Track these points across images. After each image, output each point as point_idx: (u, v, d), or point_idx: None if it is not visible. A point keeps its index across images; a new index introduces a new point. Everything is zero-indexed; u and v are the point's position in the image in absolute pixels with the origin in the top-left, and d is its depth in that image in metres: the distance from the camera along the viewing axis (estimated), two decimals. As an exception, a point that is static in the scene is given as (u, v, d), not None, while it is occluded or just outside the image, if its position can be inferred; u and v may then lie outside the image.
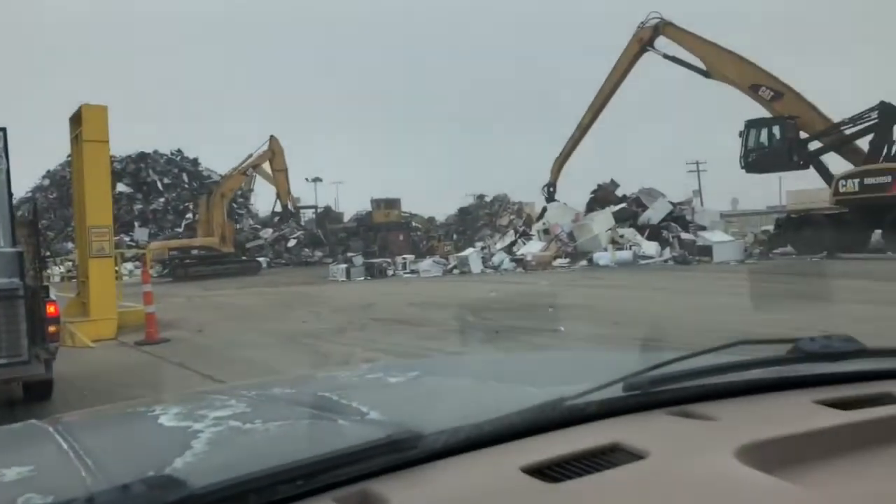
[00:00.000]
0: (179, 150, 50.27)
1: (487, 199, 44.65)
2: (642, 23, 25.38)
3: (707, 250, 21.81)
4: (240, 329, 11.95)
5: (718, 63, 23.68)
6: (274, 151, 35.13)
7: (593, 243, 23.68)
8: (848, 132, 22.43)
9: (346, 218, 43.92)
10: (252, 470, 0.76)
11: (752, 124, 23.72)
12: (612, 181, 28.67)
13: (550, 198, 29.00)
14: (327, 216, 43.77)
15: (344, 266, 26.27)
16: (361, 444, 0.83)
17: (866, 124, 21.79)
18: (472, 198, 45.84)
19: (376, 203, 40.28)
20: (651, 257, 22.24)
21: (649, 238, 23.41)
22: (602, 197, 27.70)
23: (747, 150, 23.79)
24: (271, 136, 35.30)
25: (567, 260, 23.50)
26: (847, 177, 21.56)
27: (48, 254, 29.81)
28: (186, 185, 48.03)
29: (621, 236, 23.58)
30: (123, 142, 46.96)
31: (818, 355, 1.11)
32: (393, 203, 40.74)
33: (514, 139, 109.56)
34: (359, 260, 27.64)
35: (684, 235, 23.44)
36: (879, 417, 0.98)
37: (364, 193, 41.41)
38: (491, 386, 1.42)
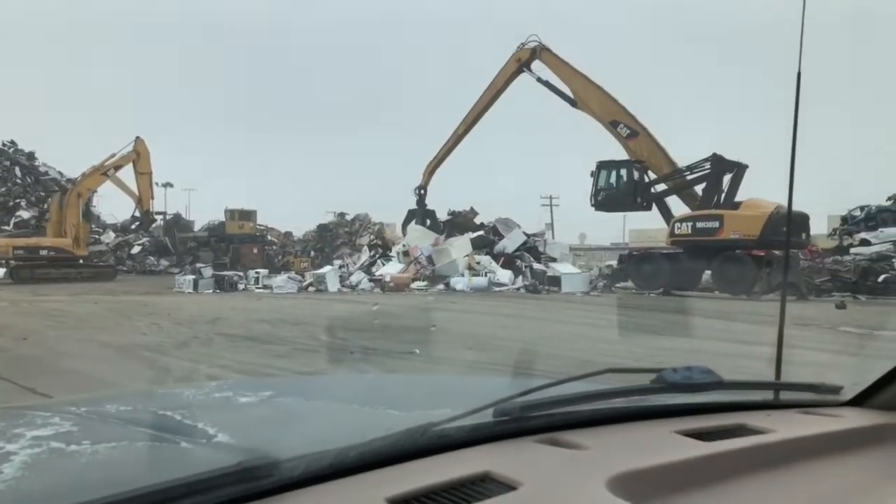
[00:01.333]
0: (13, 142, 45.99)
1: (348, 217, 44.27)
2: (522, 44, 26.32)
3: (556, 281, 22.85)
4: (71, 339, 11.00)
5: (585, 94, 25.01)
6: (139, 153, 33.41)
7: (451, 268, 24.09)
8: (688, 178, 24.44)
9: (198, 227, 41.98)
10: (78, 501, 0.65)
11: (603, 165, 25.31)
12: (472, 209, 29.47)
13: (421, 200, 29.30)
14: (177, 224, 41.63)
15: (191, 277, 25.02)
16: (208, 472, 0.74)
17: (701, 173, 23.84)
18: (332, 215, 45.27)
19: (230, 213, 38.83)
20: (505, 285, 22.93)
21: (504, 266, 24.17)
22: (461, 223, 28.34)
23: (597, 189, 25.31)
24: (137, 138, 33.59)
25: (425, 283, 23.74)
26: (681, 220, 23.53)
27: None
28: (19, 180, 43.95)
29: (478, 263, 24.17)
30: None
31: (679, 386, 1.14)
32: (248, 214, 39.43)
33: (377, 159, 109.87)
34: (208, 271, 26.46)
35: (536, 265, 24.44)
36: (734, 449, 1.02)
37: (218, 203, 39.78)
38: (353, 409, 1.35)
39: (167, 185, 49.06)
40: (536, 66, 26.31)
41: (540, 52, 25.91)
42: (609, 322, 13.04)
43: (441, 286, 23.14)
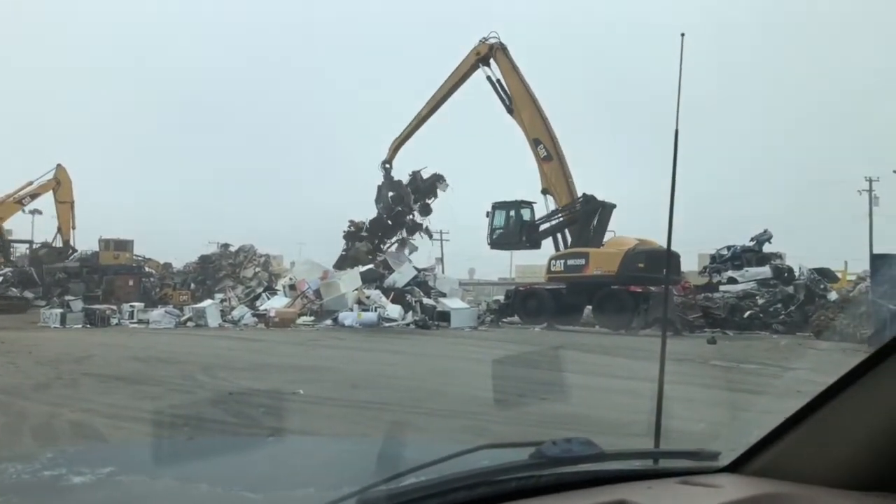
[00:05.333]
0: None
1: (232, 248, 42.78)
2: (484, 38, 26.40)
3: (446, 316, 22.96)
4: None
5: (521, 104, 25.53)
6: (59, 181, 31.99)
7: (339, 302, 23.70)
8: (561, 218, 25.48)
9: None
10: None
11: (497, 206, 26.34)
12: (366, 243, 29.22)
13: (388, 174, 29.10)
14: (45, 254, 38.78)
15: (59, 311, 23.33)
16: None
17: (573, 212, 24.92)
18: (215, 246, 43.61)
19: (105, 243, 36.62)
20: (395, 320, 22.78)
21: (394, 301, 24.03)
22: (353, 256, 28.03)
23: (492, 229, 26.07)
24: (58, 165, 31.97)
25: (312, 318, 23.21)
26: (556, 258, 24.60)
27: None
28: None
29: (368, 297, 23.91)
30: None
31: (559, 460, 1.09)
32: (124, 244, 37.34)
33: (263, 189, 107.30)
34: (77, 305, 24.77)
35: (426, 300, 24.47)
36: None
37: (92, 231, 37.60)
38: (196, 490, 1.20)
39: (35, 211, 45.94)
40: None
41: (495, 50, 26.10)
42: (495, 357, 13.16)
43: (329, 321, 22.69)
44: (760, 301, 23.06)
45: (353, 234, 30.13)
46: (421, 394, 9.00)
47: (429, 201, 29.60)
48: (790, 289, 23.52)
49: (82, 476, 1.29)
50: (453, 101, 28.33)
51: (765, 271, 25.69)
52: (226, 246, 42.99)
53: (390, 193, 29.29)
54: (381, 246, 29.80)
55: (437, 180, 29.27)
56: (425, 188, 29.28)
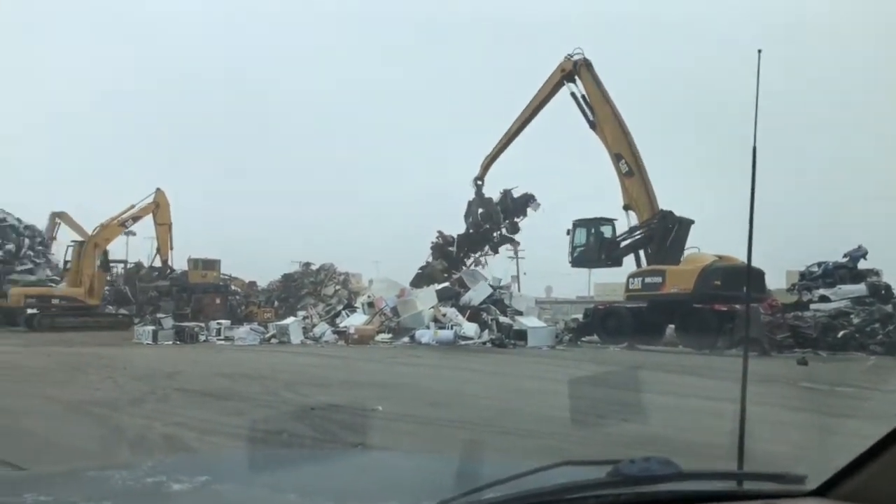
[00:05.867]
0: (-30, 187, 45.07)
1: (314, 267, 43.89)
2: (569, 55, 26.33)
3: (522, 334, 22.79)
4: (18, 393, 10.57)
5: (603, 119, 25.30)
6: (159, 204, 33.98)
7: (416, 320, 23.90)
8: (638, 235, 24.98)
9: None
10: None
11: (578, 224, 26.09)
12: (441, 260, 29.43)
13: (479, 191, 29.17)
14: (137, 273, 40.79)
15: (151, 328, 24.43)
16: None
17: (652, 229, 24.37)
18: (297, 265, 44.85)
19: (194, 262, 38.19)
20: (471, 338, 22.79)
21: (470, 319, 24.06)
22: (429, 274, 28.27)
23: (573, 246, 25.86)
24: (157, 189, 34.07)
25: (389, 335, 23.49)
26: (633, 276, 24.11)
27: None
28: (-26, 226, 42.88)
29: (444, 315, 24.03)
30: None
31: (638, 479, 1.09)
32: (212, 264, 38.85)
33: (342, 209, 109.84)
34: (168, 322, 25.84)
35: (502, 319, 24.37)
36: None
37: (181, 251, 39.46)
38: (285, 499, 1.27)
39: (129, 233, 48.51)
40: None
41: (580, 66, 25.99)
42: (574, 377, 12.98)
43: (406, 339, 22.91)
44: (855, 320, 21.88)
45: (441, 246, 30.33)
46: (497, 413, 8.97)
47: (518, 220, 29.48)
48: (888, 307, 22.25)
49: (181, 483, 1.38)
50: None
51: (860, 289, 24.36)
52: (307, 265, 44.21)
53: (479, 210, 29.35)
54: (466, 261, 29.90)
55: (528, 200, 29.21)
56: (515, 207, 29.27)
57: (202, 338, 24.63)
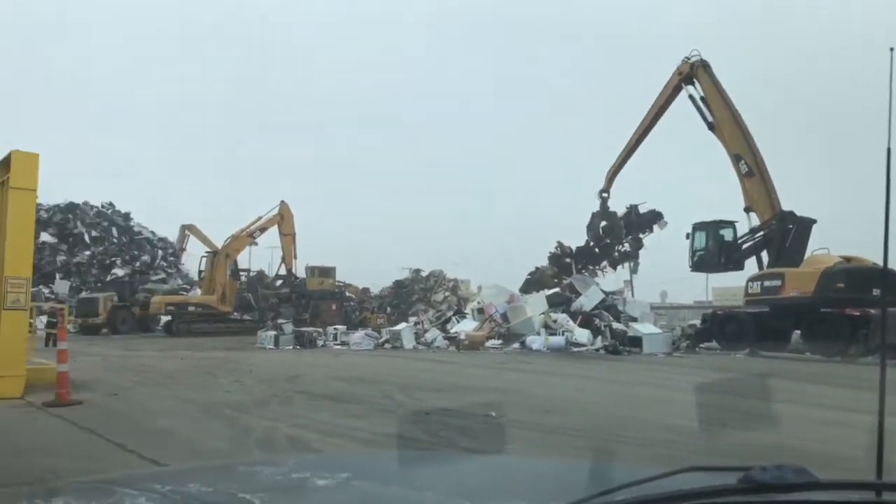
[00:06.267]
0: (111, 203, 48.97)
1: (423, 273, 44.70)
2: (686, 57, 25.77)
3: (637, 341, 22.21)
4: (157, 395, 11.38)
5: (722, 120, 24.52)
6: (283, 216, 35.94)
7: (526, 326, 23.82)
8: (758, 237, 23.79)
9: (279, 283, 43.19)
10: None
11: (697, 227, 25.26)
12: (549, 265, 29.20)
13: (604, 203, 28.88)
14: (259, 281, 42.96)
15: (273, 333, 25.63)
16: None
17: (771, 231, 23.14)
18: (407, 271, 45.84)
19: (311, 270, 39.82)
20: (583, 345, 22.46)
21: (581, 325, 23.72)
22: (538, 280, 28.10)
23: (693, 250, 25.05)
24: (282, 201, 36.39)
25: (500, 341, 23.52)
26: (753, 279, 22.96)
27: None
28: (115, 240, 46.54)
29: (554, 321, 23.81)
30: (50, 190, 45.38)
31: (770, 486, 1.08)
32: (328, 271, 40.36)
33: (452, 216, 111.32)
34: (288, 327, 27.04)
35: (615, 325, 23.86)
36: None
37: (299, 259, 41.23)
38: (423, 498, 1.34)
39: (252, 243, 51.16)
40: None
41: (697, 68, 25.35)
42: (693, 385, 12.55)
43: (516, 345, 22.87)
44: None
45: (558, 256, 30.10)
46: (613, 420, 8.82)
47: (643, 236, 28.78)
48: None
49: (325, 480, 1.49)
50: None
51: None
52: (417, 271, 45.14)
53: (602, 223, 28.87)
54: (584, 272, 29.45)
55: (655, 217, 28.50)
56: (641, 223, 28.63)
57: (320, 342, 25.60)
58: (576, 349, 22.16)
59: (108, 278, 42.00)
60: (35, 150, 11.14)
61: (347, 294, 42.69)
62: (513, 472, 1.62)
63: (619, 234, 28.44)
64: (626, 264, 29.67)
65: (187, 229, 48.00)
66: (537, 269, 29.44)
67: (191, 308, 34.51)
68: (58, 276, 41.49)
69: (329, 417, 9.21)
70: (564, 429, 8.11)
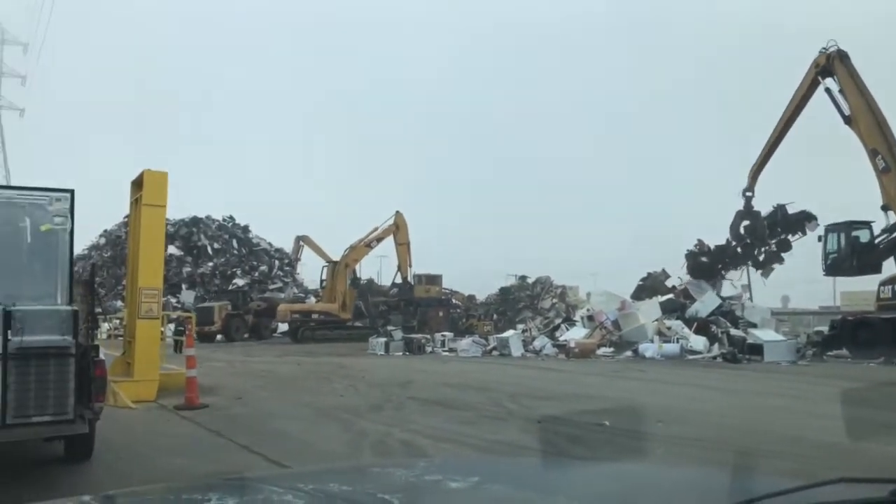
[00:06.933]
0: (231, 217, 51.55)
1: (529, 280, 44.35)
2: (823, 48, 24.57)
3: (758, 349, 21.08)
4: (277, 399, 11.87)
5: (858, 113, 23.16)
6: (398, 225, 36.98)
7: (639, 333, 23.18)
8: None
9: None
10: None
11: (830, 228, 23.87)
12: (664, 270, 28.29)
13: (748, 203, 27.72)
14: (369, 288, 44.01)
15: (383, 340, 26.17)
16: None
17: None
18: (513, 278, 45.62)
19: (418, 278, 40.40)
20: (699, 352, 21.59)
21: (697, 332, 22.81)
22: (650, 286, 27.27)
23: (826, 253, 23.66)
24: (397, 211, 37.35)
25: (611, 349, 22.99)
26: (885, 283, 21.34)
27: (100, 312, 30.76)
28: (235, 252, 48.98)
29: (668, 328, 23.04)
30: (178, 205, 48.34)
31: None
32: (434, 279, 40.80)
33: (558, 222, 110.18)
34: (398, 334, 27.51)
35: (734, 331, 22.78)
36: None
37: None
38: (554, 502, 1.32)
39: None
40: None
41: (833, 59, 23.96)
42: (823, 396, 11.79)
43: (629, 352, 22.29)
44: None
45: (696, 254, 29.09)
46: (735, 431, 8.41)
47: (792, 238, 27.19)
48: None
49: (456, 482, 1.50)
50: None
51: None
52: (523, 278, 44.83)
53: (744, 223, 27.67)
54: (724, 273, 28.31)
55: (805, 218, 27.08)
56: (789, 224, 27.28)
57: (428, 349, 25.90)
58: (691, 357, 21.35)
59: (230, 287, 44.24)
60: (163, 169, 11.91)
61: (454, 301, 43.00)
62: (646, 480, 1.57)
63: (762, 234, 27.00)
64: (741, 268, 28.18)
65: (301, 240, 49.88)
66: (649, 274, 28.56)
67: (314, 315, 35.89)
68: (184, 286, 44.07)
69: (440, 423, 9.30)
70: (683, 439, 7.81)
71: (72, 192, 6.69)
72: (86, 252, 45.15)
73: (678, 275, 28.31)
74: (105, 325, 32.92)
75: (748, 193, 27.36)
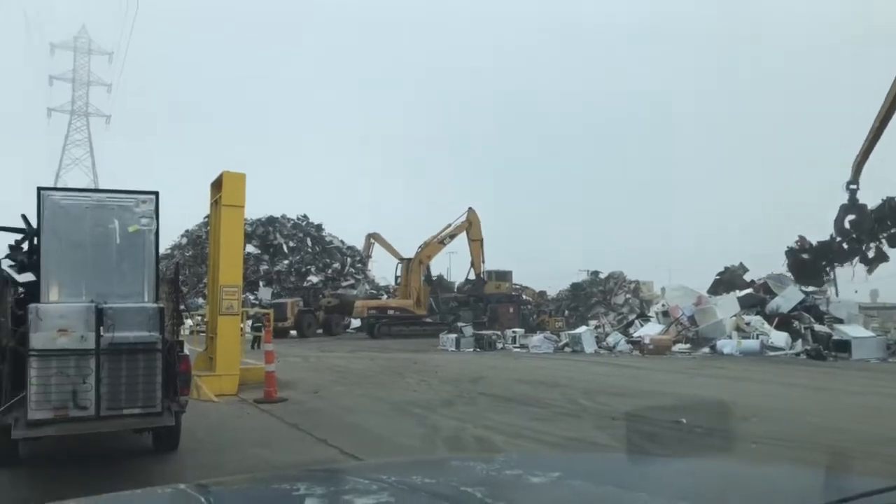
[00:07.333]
0: (305, 216, 52.79)
1: (602, 275, 43.69)
2: None
3: (845, 345, 20.12)
4: (352, 393, 12.08)
5: None
6: (471, 222, 37.23)
7: (717, 329, 22.51)
8: None
9: (456, 287, 44.22)
10: None
11: None
12: (741, 264, 27.37)
13: (852, 196, 26.66)
14: (439, 284, 44.25)
15: (454, 336, 26.27)
16: None
17: None
18: (585, 273, 45.02)
19: (488, 274, 40.36)
20: (781, 349, 20.79)
21: (778, 328, 21.97)
22: (728, 280, 26.43)
23: None
24: (469, 208, 37.61)
25: (688, 345, 22.41)
26: None
27: (184, 309, 32.00)
28: (309, 249, 50.13)
29: (747, 324, 22.28)
30: (255, 205, 49.75)
31: None
32: (504, 275, 40.68)
33: (630, 216, 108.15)
34: (469, 331, 27.57)
35: (818, 327, 21.83)
36: None
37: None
38: (637, 498, 1.29)
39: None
40: None
41: None
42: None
43: (706, 349, 21.67)
44: None
45: (796, 251, 28.10)
46: (823, 431, 8.08)
47: None
48: None
49: (537, 477, 1.49)
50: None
51: None
52: (595, 273, 44.19)
53: (849, 217, 26.48)
54: (828, 270, 27.19)
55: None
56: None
57: (499, 345, 25.86)
58: (772, 353, 20.58)
59: (304, 284, 45.30)
60: (241, 171, 12.27)
61: (524, 297, 42.76)
62: (729, 477, 1.52)
63: (869, 228, 25.72)
64: (848, 265, 26.75)
65: (372, 237, 50.62)
66: (727, 268, 27.65)
67: (390, 312, 36.44)
68: (261, 283, 45.41)
69: (513, 419, 9.27)
70: (767, 438, 7.55)
71: (156, 194, 6.97)
72: (169, 251, 47.06)
73: (779, 271, 27.00)
74: (188, 322, 34.30)
75: (852, 186, 26.03)
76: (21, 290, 6.60)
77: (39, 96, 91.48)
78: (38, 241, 6.71)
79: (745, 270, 27.10)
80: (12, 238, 7.27)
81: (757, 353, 20.52)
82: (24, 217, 7.20)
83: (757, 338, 21.45)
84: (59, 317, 6.09)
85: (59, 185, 56.03)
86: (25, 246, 7.19)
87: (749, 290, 24.79)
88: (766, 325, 22.15)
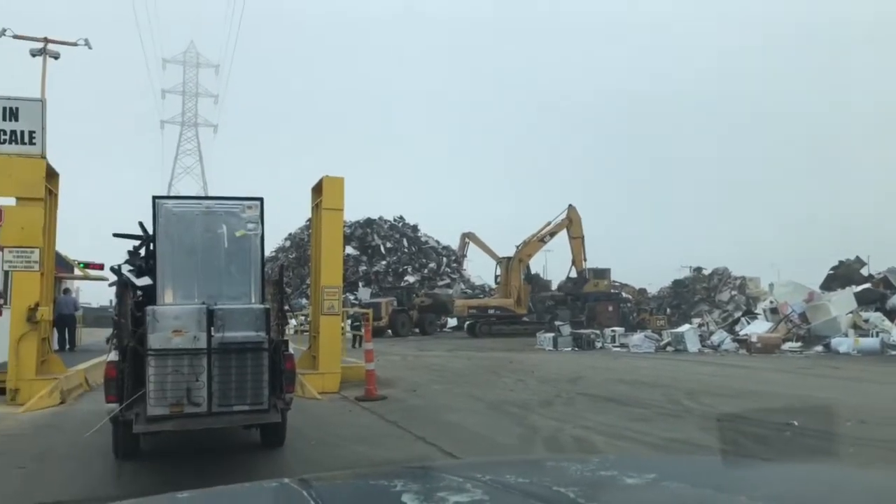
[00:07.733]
0: (401, 217, 53.70)
1: (705, 272, 42.13)
2: None
3: (981, 343, 18.64)
4: (450, 392, 12.19)
5: None
6: (571, 220, 37.09)
7: (830, 327, 21.30)
8: None
9: (554, 286, 43.76)
10: None
11: None
12: (858, 258, 25.75)
13: None
14: (536, 283, 43.94)
15: (551, 335, 26.05)
16: None
17: None
18: (687, 270, 43.58)
19: (585, 272, 39.72)
20: (904, 347, 19.48)
21: (903, 324, 20.57)
22: (843, 274, 24.94)
23: None
24: (570, 205, 37.39)
25: (799, 344, 21.32)
26: None
27: (288, 309, 33.20)
28: (406, 250, 50.95)
29: (865, 321, 20.96)
30: (353, 206, 50.97)
31: None
32: (602, 273, 39.89)
33: (730, 212, 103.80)
34: (566, 329, 27.26)
35: (948, 324, 20.31)
36: None
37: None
38: (736, 501, 1.26)
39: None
40: None
41: None
42: None
43: (819, 347, 20.55)
44: None
45: None
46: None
47: None
48: None
49: (632, 479, 1.48)
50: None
51: None
52: (699, 269, 42.70)
53: None
54: None
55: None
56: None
57: (598, 344, 25.44)
58: (894, 353, 19.27)
59: (401, 284, 46.07)
60: (340, 175, 12.62)
61: (623, 295, 41.82)
62: (839, 483, 1.45)
63: None
64: None
65: (467, 237, 50.87)
66: (841, 262, 26.04)
67: (490, 311, 36.54)
68: (360, 284, 46.56)
69: (613, 420, 9.10)
70: (891, 443, 7.09)
71: (261, 199, 7.29)
72: (273, 254, 48.98)
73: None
74: (292, 322, 35.61)
75: None
76: (139, 293, 7.06)
77: (154, 110, 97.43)
78: (154, 246, 7.15)
79: (863, 264, 25.47)
80: (131, 244, 7.78)
81: (877, 352, 19.28)
82: (140, 224, 7.70)
83: (877, 335, 20.16)
84: (173, 318, 6.45)
85: (171, 194, 59.58)
86: (143, 251, 7.67)
87: (867, 285, 23.31)
88: (887, 322, 20.79)
